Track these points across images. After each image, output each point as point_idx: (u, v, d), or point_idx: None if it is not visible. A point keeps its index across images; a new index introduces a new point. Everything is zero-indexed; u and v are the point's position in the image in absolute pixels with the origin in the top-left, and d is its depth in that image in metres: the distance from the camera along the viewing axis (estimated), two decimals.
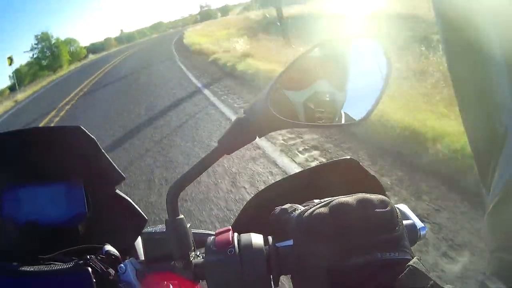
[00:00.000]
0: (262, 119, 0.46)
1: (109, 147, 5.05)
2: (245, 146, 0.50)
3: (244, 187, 3.14)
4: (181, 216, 0.49)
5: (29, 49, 58.92)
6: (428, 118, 3.18)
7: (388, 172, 2.91)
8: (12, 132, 0.63)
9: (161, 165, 4.09)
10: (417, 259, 0.39)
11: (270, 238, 0.48)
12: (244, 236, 0.47)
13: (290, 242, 0.45)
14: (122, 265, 0.53)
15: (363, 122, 0.51)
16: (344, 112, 0.53)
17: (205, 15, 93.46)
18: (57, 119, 9.46)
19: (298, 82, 0.51)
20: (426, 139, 2.89)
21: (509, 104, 0.53)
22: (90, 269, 0.52)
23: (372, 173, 0.59)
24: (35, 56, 57.97)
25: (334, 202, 0.42)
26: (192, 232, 0.51)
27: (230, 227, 0.49)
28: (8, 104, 20.23)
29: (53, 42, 57.64)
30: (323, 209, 0.42)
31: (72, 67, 44.86)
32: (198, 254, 0.51)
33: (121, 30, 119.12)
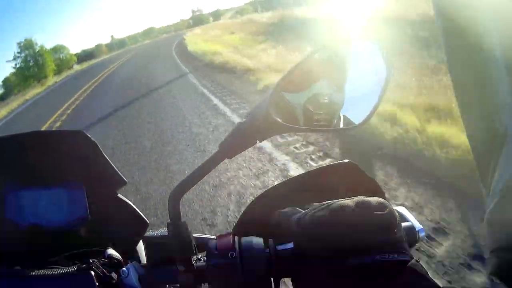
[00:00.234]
0: (262, 124, 0.47)
1: None
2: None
3: None
4: (183, 220, 0.49)
5: (11, 58, 51.83)
6: None
7: None
8: (14, 135, 0.63)
9: None
10: (416, 260, 0.39)
11: (271, 241, 0.48)
12: (245, 240, 0.47)
13: (290, 245, 0.45)
14: (124, 269, 0.53)
15: (363, 125, 0.51)
16: (343, 115, 0.53)
17: (198, 20, 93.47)
18: None
19: (297, 84, 0.51)
20: None
21: (509, 104, 0.54)
22: (92, 272, 0.52)
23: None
24: (18, 65, 50.88)
25: (333, 205, 0.42)
26: (193, 236, 0.51)
27: (231, 231, 0.49)
28: None
29: (37, 50, 51.06)
30: (323, 212, 0.42)
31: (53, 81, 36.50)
32: (199, 257, 0.51)
33: (112, 36, 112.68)
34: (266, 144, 3.87)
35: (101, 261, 0.55)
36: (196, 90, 7.91)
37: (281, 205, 0.50)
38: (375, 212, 0.41)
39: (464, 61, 0.59)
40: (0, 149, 0.63)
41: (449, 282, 1.78)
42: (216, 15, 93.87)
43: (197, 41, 21.04)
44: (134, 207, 0.64)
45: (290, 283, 0.46)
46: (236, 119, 5.14)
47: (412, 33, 6.80)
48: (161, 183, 3.55)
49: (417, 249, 1.86)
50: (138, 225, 0.64)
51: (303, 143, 3.81)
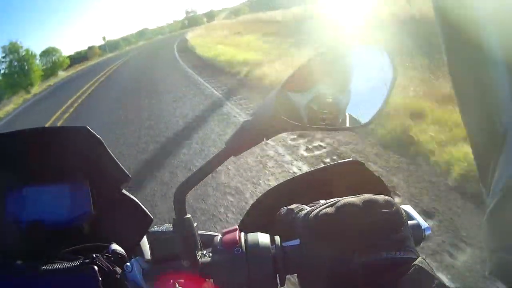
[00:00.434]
0: (268, 122, 0.47)
1: None
2: None
3: None
4: (188, 215, 0.49)
5: None
6: None
7: None
8: (18, 132, 0.63)
9: None
10: (423, 258, 0.39)
11: (277, 238, 0.48)
12: (251, 236, 0.47)
13: (296, 242, 0.45)
14: (128, 264, 0.53)
15: (369, 125, 0.51)
16: (349, 114, 0.53)
17: (193, 21, 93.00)
18: None
19: (302, 84, 0.51)
20: None
21: (509, 104, 0.54)
22: (96, 267, 0.52)
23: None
24: (2, 71, 42.54)
25: (340, 203, 0.42)
26: (199, 233, 0.52)
27: (237, 227, 0.49)
28: None
29: (22, 54, 42.52)
30: (329, 209, 0.42)
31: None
32: (204, 253, 0.51)
33: (104, 38, 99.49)
34: None
35: (105, 256, 0.55)
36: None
37: (287, 202, 0.50)
38: (382, 210, 0.41)
39: (464, 62, 0.60)
40: (3, 146, 0.63)
41: None
42: (210, 15, 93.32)
43: (206, 43, 16.49)
44: (138, 202, 0.65)
45: (296, 280, 0.46)
46: None
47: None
48: None
49: None
50: (143, 221, 0.64)
51: None
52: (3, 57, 42.28)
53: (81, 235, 0.62)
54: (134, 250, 0.61)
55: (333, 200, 0.44)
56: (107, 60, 37.79)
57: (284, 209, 0.49)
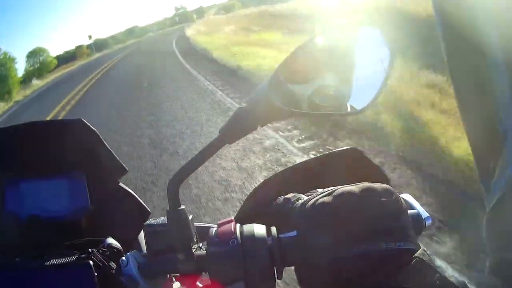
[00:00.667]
0: (263, 109, 0.46)
1: None
2: None
3: None
4: (182, 206, 0.48)
5: None
6: None
7: None
8: (13, 126, 0.63)
9: None
10: (424, 250, 0.38)
11: (273, 229, 0.47)
12: (247, 227, 0.46)
13: (293, 233, 0.44)
14: (124, 258, 0.53)
15: (365, 110, 0.50)
16: (349, 104, 0.52)
17: (183, 17, 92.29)
18: None
19: (302, 75, 0.50)
20: None
21: (509, 104, 0.54)
22: (91, 262, 0.52)
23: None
24: None
25: (338, 191, 0.42)
26: (195, 225, 0.51)
27: (233, 218, 0.48)
28: None
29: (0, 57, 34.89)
30: (327, 198, 0.41)
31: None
32: (200, 246, 0.51)
33: (89, 36, 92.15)
34: None
35: (101, 251, 0.54)
36: None
37: (284, 191, 0.49)
38: (380, 199, 0.40)
39: (464, 62, 0.60)
40: None
41: None
42: (200, 12, 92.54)
43: (217, 42, 12.49)
44: (136, 196, 0.64)
45: (293, 271, 0.45)
46: None
47: None
48: None
49: None
50: (140, 214, 0.64)
51: None
52: None
53: (78, 229, 0.62)
54: (130, 243, 0.60)
55: (330, 188, 0.43)
56: (88, 66, 27.91)
57: (280, 199, 0.48)
